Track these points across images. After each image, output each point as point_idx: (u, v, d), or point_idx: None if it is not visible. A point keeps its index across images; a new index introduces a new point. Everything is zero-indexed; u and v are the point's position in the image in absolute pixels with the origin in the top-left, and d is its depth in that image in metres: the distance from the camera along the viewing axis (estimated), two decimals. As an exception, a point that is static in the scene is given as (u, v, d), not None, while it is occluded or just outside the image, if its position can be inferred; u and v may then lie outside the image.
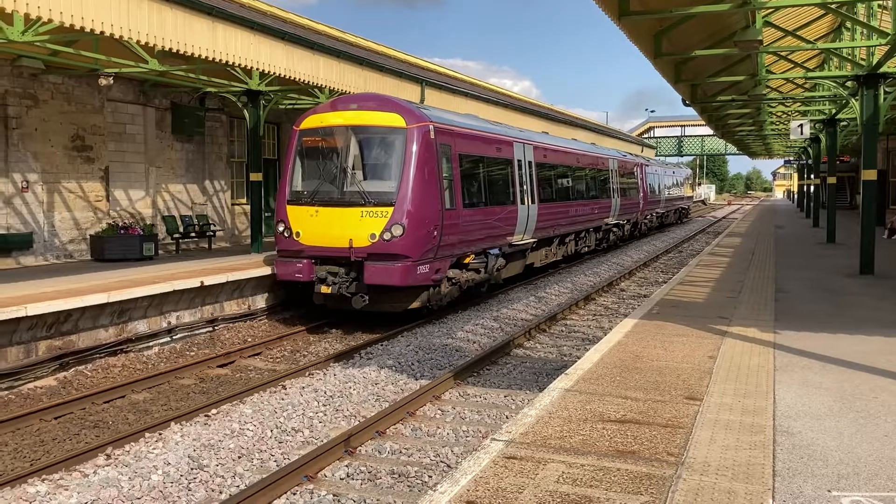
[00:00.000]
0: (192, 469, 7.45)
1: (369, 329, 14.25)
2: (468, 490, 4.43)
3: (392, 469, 7.57)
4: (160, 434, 8.56)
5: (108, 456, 7.93)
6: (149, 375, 11.02)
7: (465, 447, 8.17)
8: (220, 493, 7.06)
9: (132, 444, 8.27)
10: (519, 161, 18.83)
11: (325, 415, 9.22)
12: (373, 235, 13.34)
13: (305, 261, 13.90)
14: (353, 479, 7.39)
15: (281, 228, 14.24)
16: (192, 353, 12.56)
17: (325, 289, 13.64)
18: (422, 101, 21.87)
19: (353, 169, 13.95)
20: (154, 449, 8.05)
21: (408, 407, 9.32)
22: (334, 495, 6.95)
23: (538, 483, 4.53)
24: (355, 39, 23.90)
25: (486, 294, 17.60)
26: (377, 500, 6.86)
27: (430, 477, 7.41)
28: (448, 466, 7.68)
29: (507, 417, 9.16)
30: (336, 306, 14.11)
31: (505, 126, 20.39)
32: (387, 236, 13.29)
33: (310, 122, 14.61)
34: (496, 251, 17.05)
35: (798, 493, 4.65)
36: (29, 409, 9.39)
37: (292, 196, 14.34)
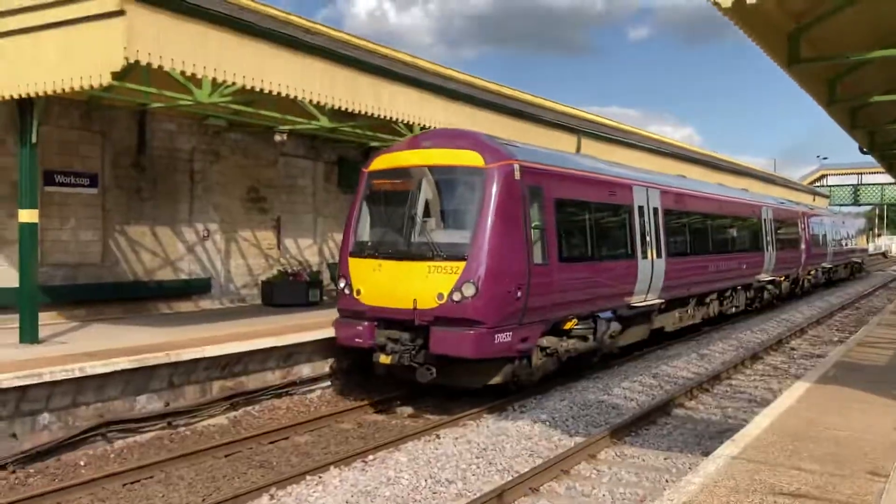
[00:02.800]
0: (349, 514, 7.61)
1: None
2: (628, 561, 4.24)
3: (545, 529, 7.39)
4: (320, 477, 8.83)
5: (272, 496, 8.26)
6: (311, 418, 11.45)
7: (622, 510, 7.86)
8: (375, 540, 7.15)
9: (294, 485, 8.58)
10: (640, 207, 16.19)
11: (479, 468, 9.18)
12: (440, 295, 11.28)
13: (367, 323, 12.01)
14: (505, 536, 7.28)
15: (342, 284, 12.43)
16: (352, 398, 12.93)
17: (384, 358, 11.60)
18: (578, 150, 21.79)
19: (422, 216, 11.88)
20: (314, 492, 8.31)
21: (562, 465, 9.12)
22: (487, 552, 6.87)
23: (704, 559, 4.27)
24: (512, 93, 24.27)
25: (635, 355, 16.46)
26: (530, 560, 6.71)
27: (585, 540, 7.17)
28: (604, 530, 7.41)
29: (667, 481, 8.75)
30: (404, 377, 12.04)
31: (624, 167, 17.71)
32: (456, 297, 11.18)
33: (379, 162, 12.86)
34: (608, 314, 14.47)
35: None
36: (203, 446, 9.99)
37: (356, 248, 12.51)
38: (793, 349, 18.79)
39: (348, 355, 13.18)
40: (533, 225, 12.16)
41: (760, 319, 23.76)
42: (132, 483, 8.77)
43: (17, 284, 11.78)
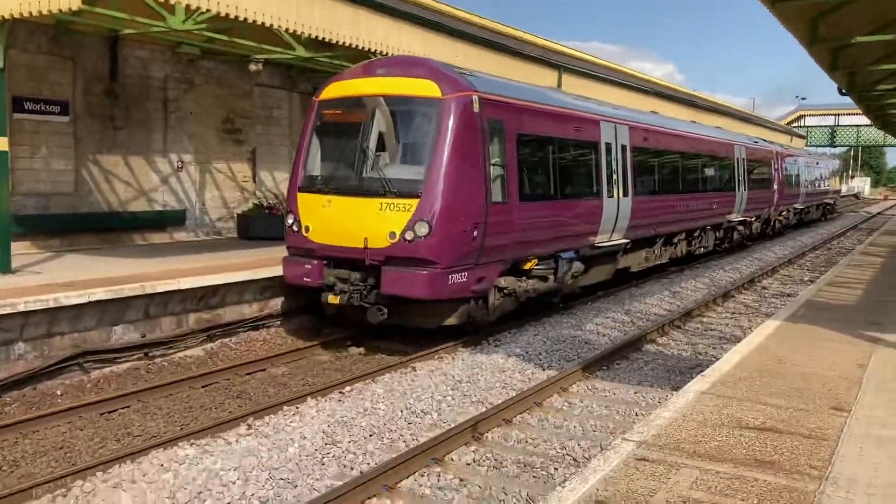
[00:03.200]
0: (325, 444, 7.75)
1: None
2: (597, 490, 4.38)
3: (518, 458, 7.59)
4: (297, 408, 8.95)
5: (250, 426, 8.36)
6: (288, 350, 11.54)
7: (593, 442, 8.08)
8: (352, 468, 7.31)
9: (271, 415, 8.69)
10: (608, 144, 15.51)
11: (453, 399, 9.35)
12: (392, 234, 10.74)
13: (316, 262, 11.38)
14: (479, 465, 7.47)
15: (290, 221, 11.73)
16: (329, 331, 13.02)
17: (332, 298, 11.13)
18: (559, 86, 21.61)
19: (374, 150, 11.23)
20: (291, 422, 8.43)
21: (535, 397, 9.31)
22: (460, 480, 7.05)
23: (670, 488, 4.42)
24: (494, 25, 23.86)
25: (609, 291, 16.41)
26: (502, 488, 6.90)
27: (556, 469, 7.38)
28: (574, 460, 7.63)
29: (637, 415, 8.99)
30: (356, 318, 11.64)
31: (592, 101, 16.78)
32: (409, 236, 10.65)
33: (331, 90, 12.02)
34: (570, 254, 14.03)
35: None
36: (180, 377, 10.06)
37: (304, 182, 11.79)
38: (764, 288, 19.12)
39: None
40: (492, 161, 11.55)
41: (733, 259, 24.09)
42: (109, 412, 8.83)
43: (-13, 213, 11.60)
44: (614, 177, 15.67)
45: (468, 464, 7.48)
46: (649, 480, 4.52)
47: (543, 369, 10.84)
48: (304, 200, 11.62)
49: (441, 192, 10.72)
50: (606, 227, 15.30)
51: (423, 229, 10.60)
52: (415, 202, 10.70)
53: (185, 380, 9.93)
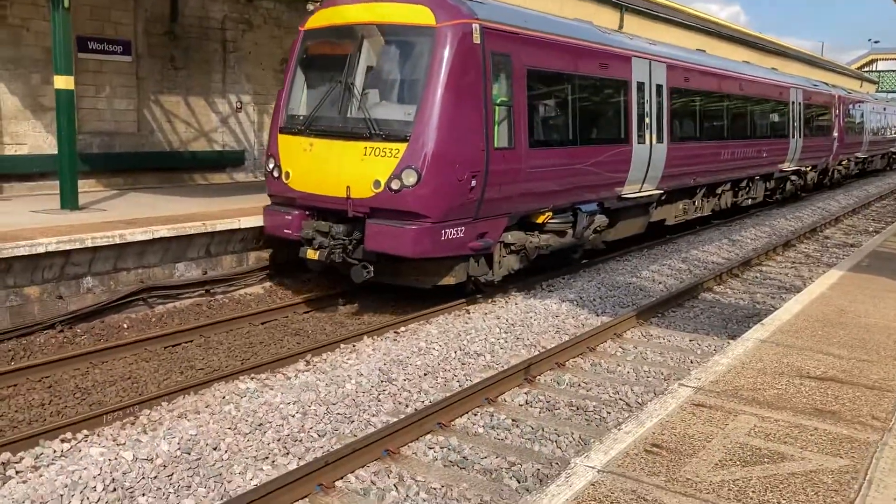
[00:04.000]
0: (381, 381, 7.91)
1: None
2: (653, 433, 4.39)
3: (570, 401, 7.64)
4: (354, 346, 9.13)
5: (308, 362, 8.58)
6: (343, 291, 11.71)
7: (646, 388, 8.08)
8: (406, 406, 7.46)
9: (329, 353, 8.89)
10: (640, 84, 13.96)
11: (506, 342, 9.42)
12: (377, 183, 9.53)
13: (297, 212, 10.38)
14: (531, 406, 7.55)
15: (270, 166, 10.64)
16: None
17: (311, 254, 10.04)
18: (620, 28, 21.02)
19: (361, 87, 10.01)
20: (348, 359, 8.61)
21: (588, 342, 9.32)
22: (513, 420, 7.14)
23: (727, 434, 4.41)
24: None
25: (666, 238, 15.66)
26: (555, 429, 6.97)
27: (609, 413, 7.42)
28: (627, 405, 7.65)
29: (691, 362, 8.94)
30: (344, 273, 10.41)
31: (623, 35, 15.17)
32: (395, 185, 9.44)
33: (318, 18, 10.77)
34: (591, 207, 12.71)
35: None
36: (240, 314, 10.32)
37: (286, 122, 10.62)
38: (826, 238, 18.65)
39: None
40: (497, 101, 10.30)
41: (794, 208, 23.46)
42: (173, 346, 9.14)
43: (56, 152, 11.91)
44: (646, 120, 14.17)
45: (521, 405, 7.56)
46: (706, 426, 4.51)
47: (597, 315, 10.81)
48: (285, 143, 10.46)
49: (433, 135, 9.45)
50: (636, 176, 13.95)
51: (411, 178, 9.38)
52: (402, 147, 9.47)
53: (246, 316, 10.19)
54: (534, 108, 11.14)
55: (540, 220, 11.52)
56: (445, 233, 9.76)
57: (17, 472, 5.97)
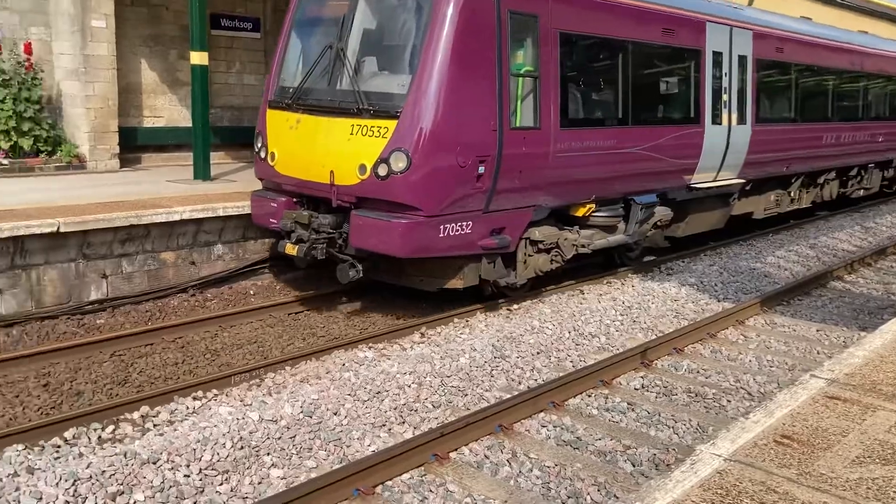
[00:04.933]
0: (494, 357, 7.95)
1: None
2: (783, 424, 4.23)
3: (688, 387, 7.46)
4: (467, 321, 9.21)
5: (423, 334, 8.73)
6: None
7: (769, 377, 7.78)
8: (519, 383, 7.47)
9: (443, 326, 9.01)
10: (716, 55, 11.88)
11: (622, 325, 9.27)
12: (362, 168, 8.10)
13: (283, 199, 9.08)
14: (647, 390, 7.41)
15: (258, 145, 9.35)
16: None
17: (289, 248, 8.72)
18: (749, 3, 20.00)
19: (354, 54, 8.57)
20: (461, 333, 8.70)
21: (709, 328, 9.05)
22: (629, 403, 7.04)
23: (865, 429, 4.19)
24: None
25: (791, 223, 14.12)
26: (672, 415, 6.83)
27: (729, 402, 7.19)
28: (749, 394, 7.40)
29: (818, 353, 8.54)
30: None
31: None
32: (382, 171, 7.97)
33: None
34: (649, 198, 11.02)
35: None
36: (358, 284, 10.56)
37: (276, 95, 9.26)
38: (973, 228, 17.34)
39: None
40: (516, 70, 8.70)
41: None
42: (296, 314, 9.48)
43: (190, 124, 12.51)
44: (724, 98, 12.11)
45: (637, 389, 7.44)
46: (841, 420, 4.30)
47: (718, 300, 10.48)
48: (273, 119, 9.13)
49: (428, 112, 7.91)
50: (709, 162, 11.95)
51: (399, 162, 7.90)
52: (392, 125, 7.97)
53: (363, 288, 10.43)
54: (569, 81, 9.39)
55: (580, 213, 10.00)
56: (445, 228, 8.26)
57: (154, 426, 6.37)
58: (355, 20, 8.57)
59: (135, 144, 13.77)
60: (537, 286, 10.31)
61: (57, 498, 5.07)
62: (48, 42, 12.58)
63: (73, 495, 5.11)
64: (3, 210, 8.80)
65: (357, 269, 8.49)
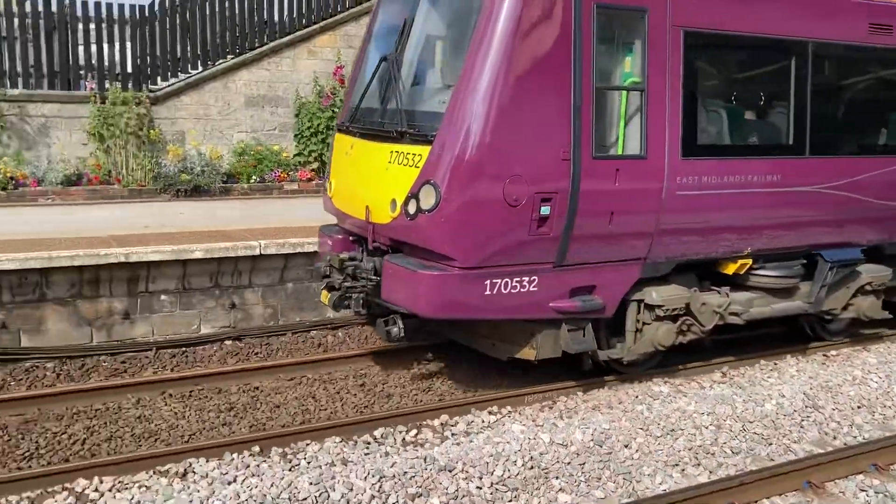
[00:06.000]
0: (806, 406, 7.27)
1: None
2: None
3: None
4: (775, 364, 8.53)
5: (724, 374, 8.23)
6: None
7: None
8: (834, 438, 6.75)
9: (747, 367, 8.43)
10: None
11: (969, 385, 7.96)
12: (393, 204, 6.66)
13: (341, 237, 7.81)
14: None
15: (327, 172, 8.34)
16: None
17: (324, 296, 7.48)
18: None
19: (407, 67, 7.17)
20: (769, 377, 8.08)
21: None
22: (976, 480, 6.01)
23: None
24: None
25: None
26: None
27: None
28: None
29: None
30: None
31: None
32: (411, 208, 6.47)
33: None
34: (847, 253, 8.37)
35: None
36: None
37: (346, 116, 7.88)
38: None
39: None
40: (611, 81, 6.89)
41: None
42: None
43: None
44: None
45: None
46: None
47: None
48: (336, 144, 7.95)
49: (463, 132, 6.24)
50: None
51: (429, 198, 6.32)
52: (426, 151, 6.43)
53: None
54: (700, 96, 7.29)
55: (729, 270, 7.77)
56: (494, 284, 6.51)
57: (451, 434, 6.71)
58: (414, 25, 7.12)
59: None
60: (791, 340, 8.69)
61: (365, 491, 5.54)
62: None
63: (379, 491, 5.56)
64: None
65: (398, 326, 6.93)
